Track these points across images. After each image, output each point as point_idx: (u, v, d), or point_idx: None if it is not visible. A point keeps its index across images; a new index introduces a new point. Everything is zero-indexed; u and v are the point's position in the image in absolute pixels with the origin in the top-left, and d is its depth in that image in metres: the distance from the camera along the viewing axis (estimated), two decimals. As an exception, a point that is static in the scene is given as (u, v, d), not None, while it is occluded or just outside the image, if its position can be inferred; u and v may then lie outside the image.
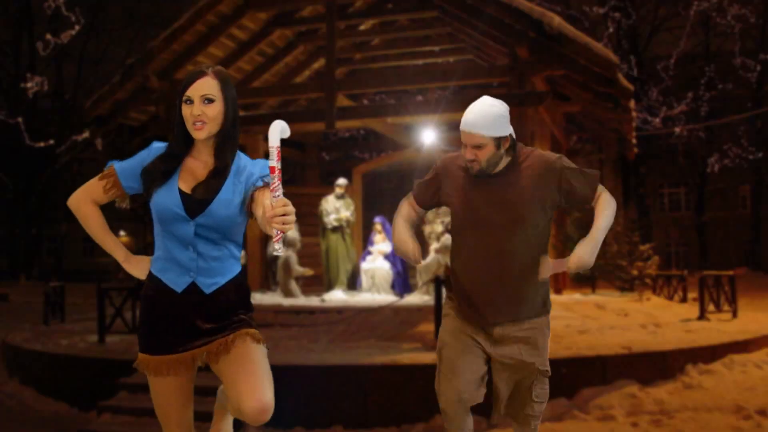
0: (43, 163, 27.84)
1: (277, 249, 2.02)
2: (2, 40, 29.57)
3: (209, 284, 2.30)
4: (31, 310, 14.72)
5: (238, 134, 2.36)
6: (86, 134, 12.75)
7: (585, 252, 2.60)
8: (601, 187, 2.75)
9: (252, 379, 2.20)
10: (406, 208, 2.99)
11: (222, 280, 2.32)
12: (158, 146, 2.37)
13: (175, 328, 2.30)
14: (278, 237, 1.99)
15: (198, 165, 2.33)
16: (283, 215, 1.94)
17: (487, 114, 2.69)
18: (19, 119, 15.45)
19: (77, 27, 13.32)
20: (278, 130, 2.03)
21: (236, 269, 2.37)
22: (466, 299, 2.81)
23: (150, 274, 2.36)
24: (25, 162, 27.90)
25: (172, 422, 2.36)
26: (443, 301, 3.01)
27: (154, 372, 2.31)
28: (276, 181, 1.97)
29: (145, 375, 2.35)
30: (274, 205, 1.95)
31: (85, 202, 2.39)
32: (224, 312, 2.32)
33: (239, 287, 2.37)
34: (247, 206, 2.29)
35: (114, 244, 2.42)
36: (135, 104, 11.71)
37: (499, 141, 2.71)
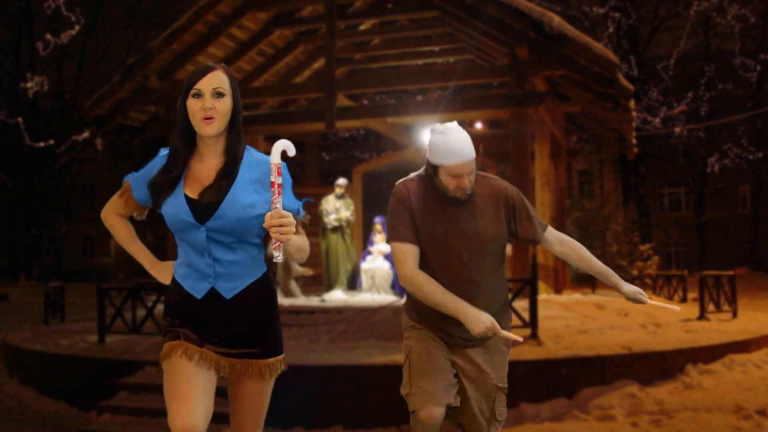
0: (43, 163, 27.85)
1: (276, 256, 2.14)
2: (2, 40, 29.58)
3: (229, 289, 2.26)
4: (31, 310, 14.74)
5: (242, 131, 2.33)
6: (86, 134, 12.75)
7: (626, 286, 2.76)
8: (549, 227, 2.83)
9: (243, 420, 2.34)
10: (404, 253, 2.73)
11: (243, 284, 2.27)
12: (165, 153, 2.33)
13: (198, 331, 2.27)
14: (276, 245, 2.13)
15: (203, 168, 2.28)
16: (280, 225, 2.07)
17: (467, 139, 2.69)
18: (19, 119, 15.43)
19: (77, 27, 13.31)
20: (280, 149, 2.16)
21: (258, 272, 2.31)
22: (431, 321, 2.81)
23: (173, 280, 2.34)
24: (25, 162, 27.89)
25: (181, 399, 2.14)
26: (402, 318, 2.94)
27: (169, 353, 2.20)
28: (276, 195, 2.12)
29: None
30: (272, 215, 2.09)
31: (111, 215, 2.45)
32: (247, 323, 2.28)
33: (263, 290, 2.32)
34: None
35: (140, 251, 2.45)
36: (135, 104, 11.71)
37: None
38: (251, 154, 2.31)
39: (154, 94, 11.33)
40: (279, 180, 2.12)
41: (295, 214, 2.25)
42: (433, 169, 2.74)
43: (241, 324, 2.27)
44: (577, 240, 2.88)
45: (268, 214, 2.10)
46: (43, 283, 14.00)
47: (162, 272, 2.44)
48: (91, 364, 7.80)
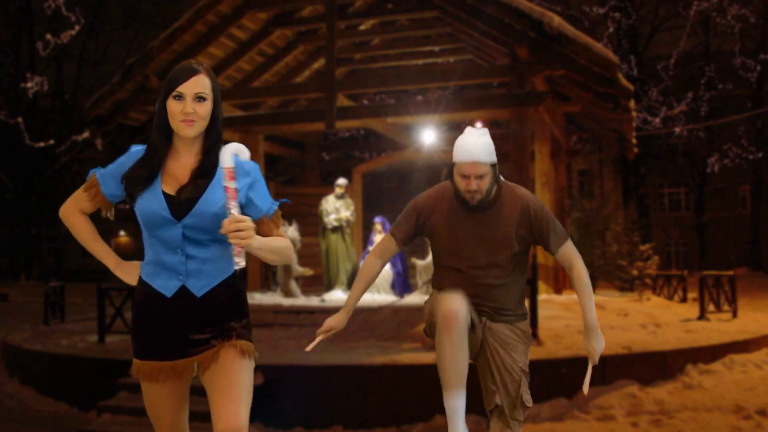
0: (43, 163, 27.85)
1: (237, 262, 2.09)
2: (2, 40, 29.58)
3: (200, 287, 2.25)
4: (31, 310, 14.74)
5: (222, 133, 2.32)
6: (86, 134, 12.76)
7: (596, 342, 2.99)
8: (568, 243, 2.89)
9: (227, 399, 2.18)
10: (384, 243, 3.03)
11: (213, 282, 2.26)
12: (137, 149, 2.32)
13: (167, 334, 2.26)
14: (237, 251, 2.08)
15: (179, 167, 2.27)
16: (237, 231, 2.04)
17: (485, 143, 2.80)
18: (19, 119, 15.45)
19: (77, 27, 13.32)
20: (230, 153, 2.16)
21: (228, 271, 2.30)
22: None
23: (140, 280, 2.32)
24: (25, 162, 27.90)
25: (164, 426, 2.33)
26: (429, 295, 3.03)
27: (147, 378, 2.29)
28: (230, 200, 2.10)
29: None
30: (229, 221, 2.06)
31: (73, 212, 2.39)
32: (216, 316, 2.26)
33: (231, 288, 2.30)
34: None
35: (104, 252, 2.40)
36: (135, 104, 11.70)
37: (495, 169, 2.81)
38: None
39: (154, 94, 11.31)
40: (232, 185, 2.12)
41: (263, 215, 2.26)
42: (450, 169, 2.87)
43: (210, 323, 2.26)
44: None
45: (225, 220, 2.07)
46: (43, 283, 14.01)
47: (128, 273, 2.41)
48: (91, 364, 7.81)
